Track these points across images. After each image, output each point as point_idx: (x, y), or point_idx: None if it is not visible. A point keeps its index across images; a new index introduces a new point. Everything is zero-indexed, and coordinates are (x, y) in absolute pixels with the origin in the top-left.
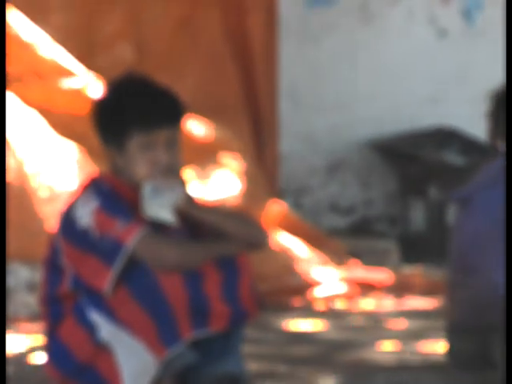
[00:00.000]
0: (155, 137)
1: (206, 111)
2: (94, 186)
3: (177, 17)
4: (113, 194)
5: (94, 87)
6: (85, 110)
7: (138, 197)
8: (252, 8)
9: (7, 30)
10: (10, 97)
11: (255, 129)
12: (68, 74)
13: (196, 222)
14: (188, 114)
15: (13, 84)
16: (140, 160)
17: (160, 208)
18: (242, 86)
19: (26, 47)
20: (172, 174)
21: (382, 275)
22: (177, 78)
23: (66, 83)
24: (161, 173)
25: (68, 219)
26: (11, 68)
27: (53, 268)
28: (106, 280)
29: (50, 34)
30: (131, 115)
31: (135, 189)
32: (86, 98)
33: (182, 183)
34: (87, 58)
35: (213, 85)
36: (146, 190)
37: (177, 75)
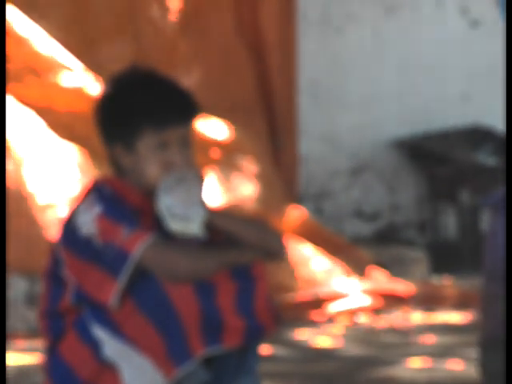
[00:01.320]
0: (168, 136)
1: (217, 110)
2: (96, 191)
3: (183, 8)
4: (116, 198)
5: (94, 85)
6: (85, 109)
7: (152, 202)
8: None
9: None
10: (7, 96)
11: (272, 128)
12: (66, 70)
13: (209, 228)
14: (200, 114)
15: (10, 83)
16: (152, 161)
17: (189, 222)
18: (256, 82)
19: (22, 43)
20: (190, 173)
21: (409, 286)
22: (184, 74)
23: (65, 81)
24: (176, 173)
25: (69, 227)
26: (8, 65)
27: (54, 280)
28: (110, 293)
29: (47, 30)
30: (143, 113)
31: (143, 192)
32: (87, 97)
33: (199, 182)
34: (85, 53)
35: (225, 81)
36: (163, 201)
37: (184, 71)
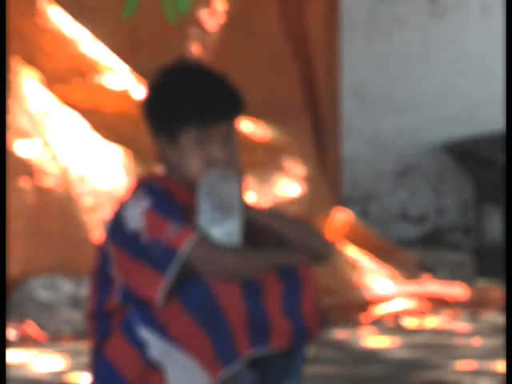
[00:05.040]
0: (211, 132)
1: (263, 111)
2: (145, 186)
3: (229, 10)
4: (166, 194)
5: (140, 87)
6: (131, 111)
7: (194, 200)
8: (312, 0)
9: (50, 26)
10: (52, 98)
11: (317, 131)
12: (112, 72)
13: (253, 228)
14: (246, 115)
15: (55, 85)
16: (194, 156)
17: (229, 234)
18: (302, 84)
19: (67, 44)
20: (230, 171)
21: (455, 290)
22: (230, 75)
23: (111, 83)
24: (218, 170)
25: (117, 221)
26: (52, 66)
27: (102, 278)
28: (157, 289)
29: (94, 32)
30: (187, 108)
31: (188, 188)
32: (132, 99)
33: (241, 183)
34: (132, 56)
35: (271, 84)
36: (202, 209)
37: (230, 75)
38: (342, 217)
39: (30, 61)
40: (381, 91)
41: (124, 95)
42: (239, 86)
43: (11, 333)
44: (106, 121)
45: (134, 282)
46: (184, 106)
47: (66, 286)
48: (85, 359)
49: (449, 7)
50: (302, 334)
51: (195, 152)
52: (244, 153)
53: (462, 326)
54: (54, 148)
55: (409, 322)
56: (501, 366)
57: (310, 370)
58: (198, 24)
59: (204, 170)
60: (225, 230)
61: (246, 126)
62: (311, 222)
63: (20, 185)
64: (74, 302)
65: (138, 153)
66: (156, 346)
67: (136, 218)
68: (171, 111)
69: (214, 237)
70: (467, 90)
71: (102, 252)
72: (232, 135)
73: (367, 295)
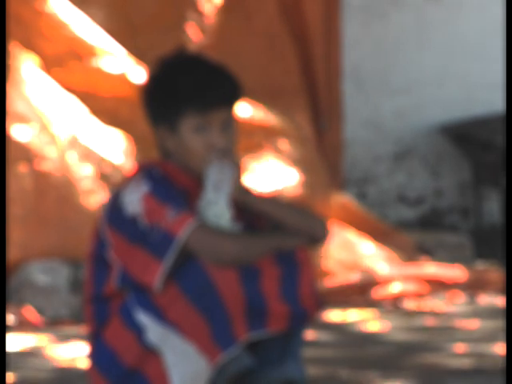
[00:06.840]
0: (210, 118)
1: (261, 95)
2: (145, 171)
3: None
4: (166, 180)
5: (137, 71)
6: (129, 95)
7: (200, 187)
8: None
9: (47, 10)
10: (50, 82)
11: (316, 113)
12: (109, 56)
13: (251, 213)
14: (244, 98)
15: (52, 68)
16: (194, 143)
17: (216, 217)
18: (300, 67)
19: (65, 28)
20: (227, 158)
21: (453, 272)
22: (228, 60)
23: (108, 66)
24: (216, 157)
25: (115, 206)
26: (50, 50)
27: (99, 263)
28: (155, 274)
29: (91, 15)
30: (186, 94)
31: (188, 173)
32: (130, 82)
33: (238, 169)
34: (129, 39)
35: (269, 67)
36: (211, 193)
37: (228, 58)
38: (339, 199)
39: (28, 45)
40: (378, 74)
41: (122, 78)
42: (237, 69)
43: (10, 317)
44: (104, 105)
45: (132, 267)
46: (183, 92)
47: (65, 270)
48: (83, 343)
49: None
50: (300, 318)
51: (195, 138)
52: (242, 136)
53: (461, 307)
54: (52, 132)
55: (407, 305)
56: (500, 347)
57: (309, 353)
58: (195, 7)
59: (204, 156)
60: (212, 213)
61: (244, 109)
62: (307, 205)
63: (18, 169)
64: (73, 286)
65: (136, 137)
66: (154, 330)
67: (135, 203)
68: (170, 98)
69: (206, 219)
70: (465, 72)
71: (98, 236)
72: (231, 122)
73: (365, 278)
